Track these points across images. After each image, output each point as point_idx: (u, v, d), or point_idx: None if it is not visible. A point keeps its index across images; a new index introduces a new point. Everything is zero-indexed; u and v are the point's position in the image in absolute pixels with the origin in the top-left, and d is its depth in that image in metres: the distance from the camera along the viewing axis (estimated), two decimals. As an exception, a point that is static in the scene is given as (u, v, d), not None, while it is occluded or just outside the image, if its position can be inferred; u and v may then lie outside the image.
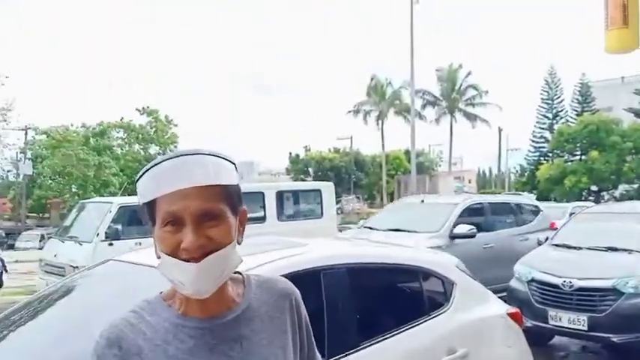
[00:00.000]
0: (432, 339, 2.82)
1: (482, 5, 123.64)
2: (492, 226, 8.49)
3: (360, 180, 50.52)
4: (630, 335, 5.31)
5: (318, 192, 10.83)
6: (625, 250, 6.03)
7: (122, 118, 39.52)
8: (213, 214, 0.98)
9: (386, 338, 2.63)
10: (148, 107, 40.04)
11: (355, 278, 2.70)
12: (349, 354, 2.46)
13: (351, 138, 51.19)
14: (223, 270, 1.00)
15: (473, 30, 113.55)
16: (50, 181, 35.26)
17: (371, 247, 3.79)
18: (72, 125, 36.82)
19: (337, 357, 2.40)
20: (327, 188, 11.08)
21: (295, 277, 2.31)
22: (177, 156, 1.01)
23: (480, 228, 7.96)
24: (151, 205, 1.00)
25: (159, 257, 1.00)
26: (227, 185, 1.01)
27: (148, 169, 1.02)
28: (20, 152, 35.57)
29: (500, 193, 44.84)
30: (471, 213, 8.22)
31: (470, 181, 71.63)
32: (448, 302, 3.04)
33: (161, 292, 1.09)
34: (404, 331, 2.74)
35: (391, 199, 41.67)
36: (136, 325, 1.03)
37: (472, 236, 7.65)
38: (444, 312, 2.99)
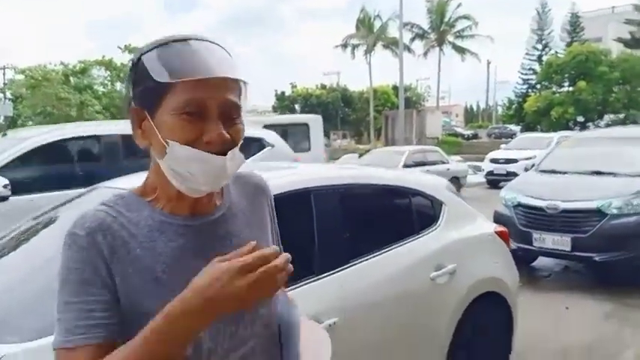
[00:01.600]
0: (420, 256, 2.88)
1: None
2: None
3: (348, 116, 50.23)
4: (611, 254, 5.49)
5: (305, 126, 10.72)
6: (610, 173, 6.13)
7: (104, 56, 38.43)
8: (236, 110, 0.93)
9: (376, 255, 2.68)
10: (130, 45, 38.87)
11: (345, 198, 2.72)
12: (339, 271, 2.50)
13: (339, 73, 50.42)
14: (235, 168, 0.96)
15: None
16: (31, 122, 34.62)
17: (361, 168, 3.80)
18: (50, 64, 35.78)
19: (327, 273, 2.45)
20: (315, 122, 10.97)
21: (287, 197, 2.34)
22: (204, 40, 0.93)
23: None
24: (161, 87, 0.89)
25: (163, 146, 0.90)
26: (244, 83, 0.95)
27: (168, 43, 0.91)
28: (-1, 92, 34.71)
29: (487, 127, 45.07)
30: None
31: (457, 116, 71.63)
32: (437, 221, 3.09)
33: (130, 190, 1.00)
34: (393, 248, 2.79)
35: (378, 136, 41.67)
36: (117, 218, 0.94)
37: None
38: (433, 230, 3.04)
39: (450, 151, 20.34)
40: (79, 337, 0.86)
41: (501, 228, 3.51)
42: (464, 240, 3.15)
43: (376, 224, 2.92)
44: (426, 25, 46.32)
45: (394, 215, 3.12)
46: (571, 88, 35.72)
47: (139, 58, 0.93)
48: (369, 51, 46.32)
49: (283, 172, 2.81)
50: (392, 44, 43.21)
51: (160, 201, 0.98)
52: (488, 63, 48.25)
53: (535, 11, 44.38)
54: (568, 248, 5.67)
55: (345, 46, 47.75)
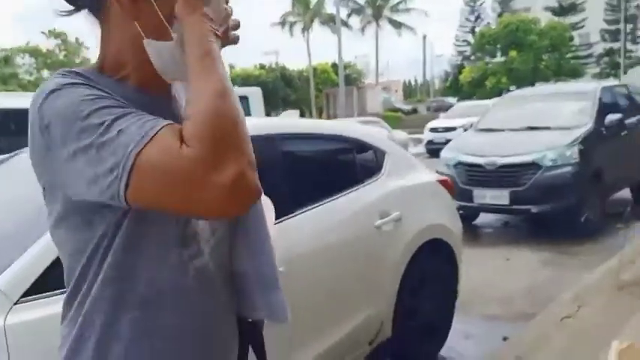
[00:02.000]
0: (365, 204, 2.85)
1: None
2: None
3: (289, 96, 49.90)
4: (547, 205, 5.70)
5: (245, 99, 10.49)
6: (543, 127, 6.34)
7: (28, 42, 36.35)
8: None
9: (320, 205, 2.63)
10: (54, 29, 36.91)
11: (287, 148, 2.65)
12: (282, 220, 2.43)
13: (277, 53, 49.88)
14: None
15: None
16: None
17: (302, 120, 3.72)
18: (-31, 52, 33.52)
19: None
20: (255, 94, 10.73)
21: None
22: None
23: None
24: None
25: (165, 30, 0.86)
26: None
27: None
28: None
29: (426, 101, 46.01)
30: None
31: (397, 91, 72.61)
32: (381, 170, 3.07)
33: (71, 72, 0.88)
34: (338, 197, 2.75)
35: (320, 114, 41.69)
36: (90, 81, 0.85)
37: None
38: (377, 179, 3.02)
39: (391, 126, 20.58)
40: (163, 121, 0.79)
41: (444, 177, 3.54)
42: (408, 188, 3.14)
43: (319, 174, 2.87)
44: (362, 1, 46.39)
45: (337, 165, 3.07)
46: (504, 58, 36.87)
47: None
48: (306, 28, 45.98)
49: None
50: (329, 21, 43.08)
51: (131, 79, 0.92)
52: (424, 37, 48.84)
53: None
54: (507, 202, 5.83)
55: (282, 24, 47.22)
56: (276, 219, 2.37)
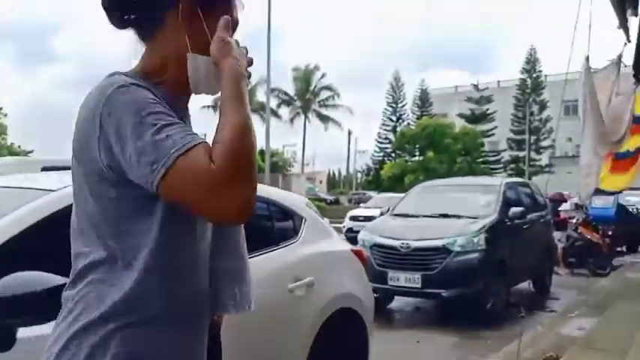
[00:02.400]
0: (279, 266, 2.86)
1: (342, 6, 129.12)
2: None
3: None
4: (456, 290, 5.91)
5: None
6: (455, 215, 6.70)
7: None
8: None
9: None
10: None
11: None
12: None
13: (205, 135, 50.07)
14: None
15: (332, 31, 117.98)
16: None
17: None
18: None
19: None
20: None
21: None
22: None
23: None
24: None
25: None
26: None
27: None
28: None
29: (348, 193, 47.38)
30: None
31: (321, 182, 74.31)
32: (297, 235, 3.11)
33: (123, 74, 1.06)
34: (251, 257, 2.73)
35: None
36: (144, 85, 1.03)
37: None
38: (293, 243, 3.05)
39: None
40: (198, 137, 0.97)
41: (357, 248, 3.63)
42: (323, 254, 3.19)
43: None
44: (292, 92, 48.31)
45: (256, 226, 3.08)
46: (421, 157, 39.17)
47: None
48: (237, 113, 46.88)
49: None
50: (259, 109, 44.27)
51: (165, 85, 1.08)
52: (350, 132, 51.19)
53: (390, 86, 48.62)
54: (419, 285, 5.99)
55: (214, 107, 47.95)
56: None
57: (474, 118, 45.14)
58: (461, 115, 46.13)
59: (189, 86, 1.08)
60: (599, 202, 12.01)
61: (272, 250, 2.88)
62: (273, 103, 45.62)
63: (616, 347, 3.42)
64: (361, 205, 21.06)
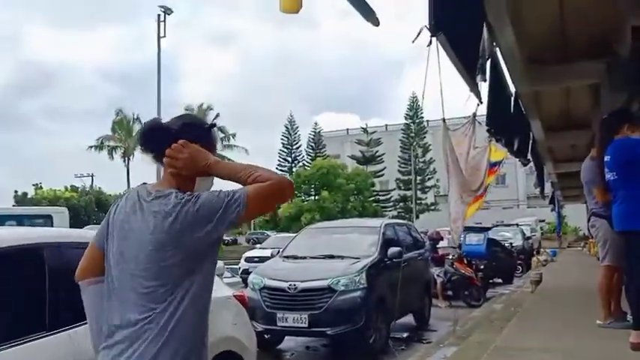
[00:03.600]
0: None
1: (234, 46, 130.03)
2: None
3: (98, 225, 47.08)
4: (341, 327, 6.21)
5: (49, 218, 9.95)
6: (339, 256, 7.09)
7: None
8: None
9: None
10: None
11: (58, 258, 2.65)
12: (71, 328, 2.48)
13: (93, 175, 47.84)
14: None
15: (227, 73, 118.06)
16: None
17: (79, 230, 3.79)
18: None
19: (59, 329, 2.41)
20: (60, 215, 10.27)
21: (15, 252, 2.32)
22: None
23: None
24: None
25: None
26: None
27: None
28: None
29: (246, 233, 47.07)
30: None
31: (218, 223, 72.81)
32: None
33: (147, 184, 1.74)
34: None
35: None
36: None
37: None
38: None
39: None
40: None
41: (239, 292, 3.82)
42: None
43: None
44: (186, 133, 47.57)
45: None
46: (317, 197, 40.17)
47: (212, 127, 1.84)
48: (127, 154, 45.25)
49: (16, 229, 2.72)
50: (151, 150, 43.09)
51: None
52: (246, 173, 51.22)
53: (285, 128, 49.68)
54: (306, 325, 6.24)
55: (100, 147, 45.91)
56: (65, 325, 2.43)
57: (364, 160, 47.33)
58: (352, 157, 48.20)
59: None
60: (471, 239, 13.16)
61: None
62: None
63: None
64: (257, 246, 21.10)
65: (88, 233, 3.91)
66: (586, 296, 5.98)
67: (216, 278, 3.69)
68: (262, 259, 16.79)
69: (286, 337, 6.99)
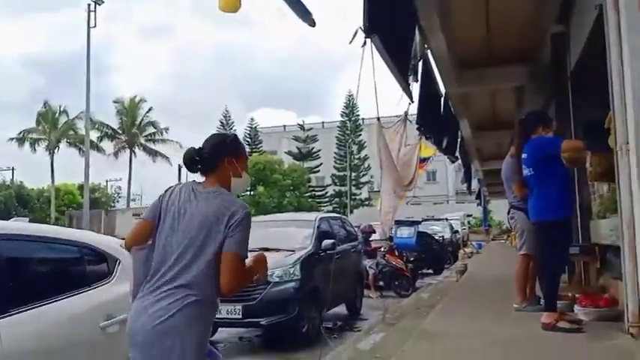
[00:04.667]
0: (90, 306, 2.99)
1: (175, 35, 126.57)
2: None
3: (25, 217, 44.74)
4: (275, 317, 6.31)
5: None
6: (275, 249, 7.17)
7: None
8: None
9: (40, 305, 2.71)
10: None
11: (6, 250, 2.72)
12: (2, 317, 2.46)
13: (13, 169, 45.40)
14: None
15: (163, 65, 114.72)
16: None
17: (28, 224, 3.71)
18: None
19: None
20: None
21: None
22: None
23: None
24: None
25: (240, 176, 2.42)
26: None
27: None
28: None
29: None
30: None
31: (150, 218, 70.84)
32: (110, 276, 3.25)
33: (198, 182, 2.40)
34: (63, 298, 2.85)
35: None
36: None
37: None
38: (107, 283, 3.18)
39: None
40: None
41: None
42: (137, 292, 3.36)
43: (44, 275, 2.93)
44: (117, 126, 46.03)
45: (67, 268, 3.17)
46: (253, 192, 39.99)
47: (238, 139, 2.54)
48: (51, 147, 43.16)
49: None
50: (79, 142, 41.37)
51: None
52: (180, 167, 49.99)
53: (220, 123, 49.04)
54: (240, 316, 6.29)
55: (22, 140, 43.53)
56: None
57: (301, 156, 47.54)
58: (289, 153, 48.28)
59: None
60: (402, 232, 13.64)
61: (84, 292, 3.00)
62: (95, 136, 43.11)
63: (387, 355, 4.16)
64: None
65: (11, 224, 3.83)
66: (505, 283, 6.40)
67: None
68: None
69: (219, 329, 7.02)
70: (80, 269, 3.14)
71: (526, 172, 4.65)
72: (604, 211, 5.30)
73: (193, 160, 2.34)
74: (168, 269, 2.18)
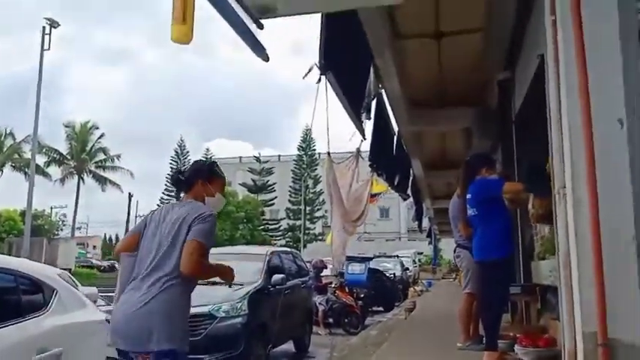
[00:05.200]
0: (22, 339, 2.85)
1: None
2: None
3: (-43, 242, 42.30)
4: (220, 354, 6.15)
5: None
6: (221, 283, 7.03)
7: None
8: None
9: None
10: None
11: None
12: None
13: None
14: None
15: (118, 92, 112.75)
16: None
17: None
18: None
19: None
20: None
21: None
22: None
23: None
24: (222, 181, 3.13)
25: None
26: None
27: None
28: None
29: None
30: None
31: (95, 247, 68.62)
32: (46, 306, 3.11)
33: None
34: (-7, 330, 2.70)
35: None
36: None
37: None
38: (41, 315, 3.04)
39: (83, 282, 19.27)
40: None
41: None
42: (74, 325, 3.22)
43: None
44: (65, 151, 44.67)
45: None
46: (204, 224, 39.27)
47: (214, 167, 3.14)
48: (-6, 170, 41.35)
49: None
50: (25, 166, 39.82)
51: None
52: (130, 196, 48.87)
53: (174, 152, 48.39)
54: (184, 352, 6.09)
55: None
56: None
57: (256, 188, 47.29)
58: (244, 185, 47.95)
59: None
60: (354, 268, 13.67)
61: (16, 323, 2.85)
62: (41, 160, 41.60)
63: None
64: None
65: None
66: (452, 321, 6.46)
67: (89, 302, 3.59)
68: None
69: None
70: (14, 299, 3.00)
71: (470, 212, 4.78)
72: (544, 252, 5.47)
73: (177, 180, 3.00)
74: (148, 265, 2.64)
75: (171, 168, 47.69)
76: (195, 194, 2.89)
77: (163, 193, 47.51)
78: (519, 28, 5.94)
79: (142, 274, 2.63)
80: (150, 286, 2.57)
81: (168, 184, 47.16)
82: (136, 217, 48.59)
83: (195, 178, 2.93)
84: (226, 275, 3.05)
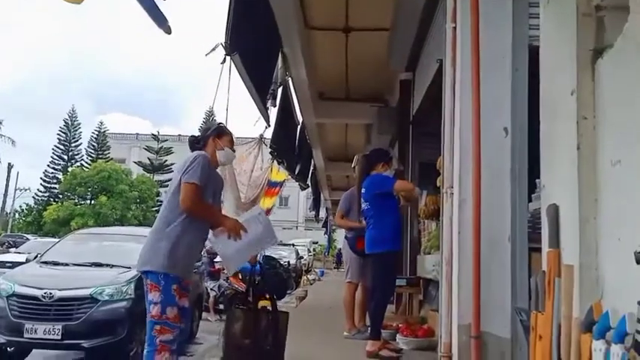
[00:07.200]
0: None
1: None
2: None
3: None
4: (100, 339, 5.81)
5: None
6: (107, 265, 6.68)
7: None
8: None
9: None
10: None
11: None
12: None
13: None
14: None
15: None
16: None
17: None
18: None
19: None
20: None
21: None
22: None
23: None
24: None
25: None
26: None
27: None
28: None
29: (1, 235, 41.09)
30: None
31: (-34, 220, 62.35)
32: None
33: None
34: None
35: None
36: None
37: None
38: None
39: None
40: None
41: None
42: None
43: None
44: None
45: None
46: (93, 202, 37.17)
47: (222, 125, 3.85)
48: None
49: None
50: None
51: (213, 161, 3.62)
52: (10, 166, 44.82)
53: (64, 123, 45.19)
54: (59, 337, 5.68)
55: None
56: None
57: (152, 168, 45.43)
58: (139, 163, 45.92)
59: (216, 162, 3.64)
60: (248, 254, 13.55)
61: None
62: None
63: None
64: (12, 249, 18.63)
65: None
66: (339, 310, 6.64)
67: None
68: (15, 265, 14.83)
69: (34, 351, 6.30)
70: None
71: (364, 205, 4.91)
72: (430, 247, 5.78)
73: (193, 142, 3.64)
74: (160, 214, 3.46)
75: (59, 139, 44.47)
76: (208, 150, 3.51)
77: (48, 165, 44.21)
78: (423, 32, 6.18)
79: (156, 222, 3.45)
80: (158, 230, 3.36)
81: (54, 156, 44.01)
82: (15, 189, 44.69)
83: (208, 135, 3.59)
84: (223, 224, 3.48)
